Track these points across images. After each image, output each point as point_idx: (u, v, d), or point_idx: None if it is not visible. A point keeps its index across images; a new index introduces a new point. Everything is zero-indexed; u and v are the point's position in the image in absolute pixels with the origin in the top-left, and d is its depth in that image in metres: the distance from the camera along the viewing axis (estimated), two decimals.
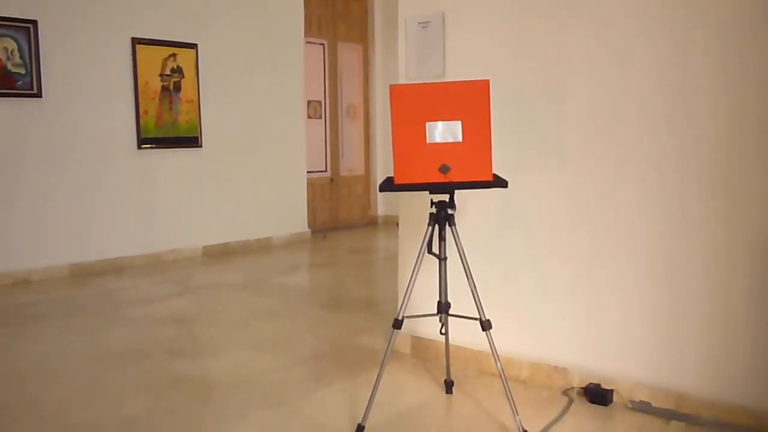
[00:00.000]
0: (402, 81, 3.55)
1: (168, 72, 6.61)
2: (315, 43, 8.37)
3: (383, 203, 9.30)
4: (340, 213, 8.90)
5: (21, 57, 5.58)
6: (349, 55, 8.88)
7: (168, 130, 6.64)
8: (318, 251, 7.37)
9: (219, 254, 7.03)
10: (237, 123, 7.21)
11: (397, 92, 2.47)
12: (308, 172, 8.14)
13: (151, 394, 3.17)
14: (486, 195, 3.32)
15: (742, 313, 2.68)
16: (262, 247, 7.47)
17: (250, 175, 7.38)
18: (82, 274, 5.98)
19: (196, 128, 6.87)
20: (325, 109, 8.63)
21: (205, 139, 6.95)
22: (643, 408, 2.92)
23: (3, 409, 2.99)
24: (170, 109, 6.64)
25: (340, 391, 3.19)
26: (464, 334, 3.34)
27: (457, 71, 3.36)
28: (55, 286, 5.56)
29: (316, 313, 4.71)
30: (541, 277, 3.21)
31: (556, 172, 3.11)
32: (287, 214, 7.84)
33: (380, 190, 2.60)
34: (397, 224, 3.77)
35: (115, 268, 6.22)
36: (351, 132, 9.03)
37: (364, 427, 2.66)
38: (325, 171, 8.69)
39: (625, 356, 2.99)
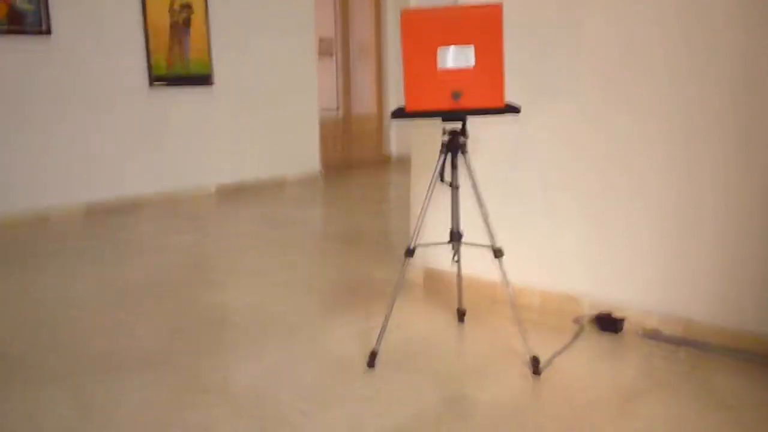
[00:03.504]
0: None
1: (177, 8, 6.51)
2: None
3: (396, 142, 9.25)
4: (352, 152, 8.87)
5: None
6: None
7: (179, 68, 6.59)
8: (331, 189, 7.39)
9: (232, 192, 7.07)
10: (248, 61, 7.14)
11: (408, 17, 2.42)
12: (321, 111, 8.08)
13: (166, 323, 3.25)
14: (498, 126, 3.30)
15: (752, 241, 2.68)
16: (276, 185, 7.50)
17: (263, 114, 7.35)
18: (98, 211, 6.05)
19: (208, 66, 6.81)
20: (337, 47, 8.50)
21: (217, 77, 6.90)
22: (653, 335, 2.95)
23: (26, 338, 3.08)
24: (180, 46, 6.57)
25: (354, 320, 3.25)
26: (477, 266, 3.37)
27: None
28: (72, 223, 5.63)
29: (330, 246, 4.76)
30: (552, 207, 3.21)
31: (569, 106, 3.07)
32: (300, 153, 7.83)
33: (392, 117, 2.58)
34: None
35: (131, 206, 6.28)
36: (363, 70, 8.91)
37: (377, 353, 2.72)
38: (337, 110, 8.63)
39: (636, 285, 3.01)
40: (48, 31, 5.64)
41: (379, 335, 2.73)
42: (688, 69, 2.73)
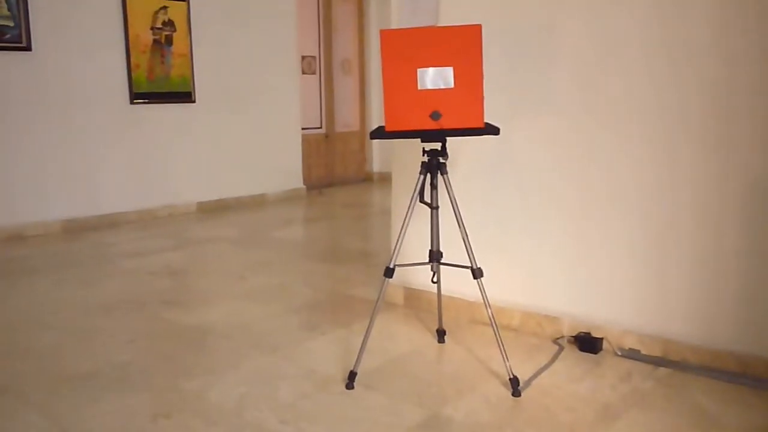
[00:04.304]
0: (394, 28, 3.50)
1: (159, 25, 6.50)
2: None
3: (379, 159, 9.26)
4: (335, 169, 8.87)
5: (9, 9, 5.48)
6: (343, 8, 8.75)
7: (160, 85, 6.57)
8: (313, 206, 7.38)
9: (213, 210, 7.03)
10: (230, 78, 7.14)
11: (388, 37, 2.43)
12: (303, 128, 8.08)
13: (145, 342, 3.20)
14: (478, 144, 3.31)
15: (729, 261, 2.70)
16: (257, 203, 7.47)
17: (245, 131, 7.33)
18: (76, 229, 5.98)
19: (189, 83, 6.79)
20: (320, 64, 8.53)
21: (198, 94, 6.88)
22: (631, 355, 2.95)
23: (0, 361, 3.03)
24: (162, 63, 6.56)
25: (334, 339, 3.22)
26: (457, 285, 3.37)
27: (451, 19, 3.31)
28: (49, 240, 5.57)
29: (310, 265, 4.73)
30: (533, 227, 3.22)
31: (548, 121, 3.09)
32: (282, 171, 7.82)
33: (371, 138, 2.58)
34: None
35: (109, 223, 6.22)
36: (346, 87, 8.94)
37: (356, 374, 2.70)
38: (320, 127, 8.63)
39: (615, 305, 3.01)
40: (28, 47, 5.60)
41: (358, 356, 2.71)
42: (670, 77, 2.76)
